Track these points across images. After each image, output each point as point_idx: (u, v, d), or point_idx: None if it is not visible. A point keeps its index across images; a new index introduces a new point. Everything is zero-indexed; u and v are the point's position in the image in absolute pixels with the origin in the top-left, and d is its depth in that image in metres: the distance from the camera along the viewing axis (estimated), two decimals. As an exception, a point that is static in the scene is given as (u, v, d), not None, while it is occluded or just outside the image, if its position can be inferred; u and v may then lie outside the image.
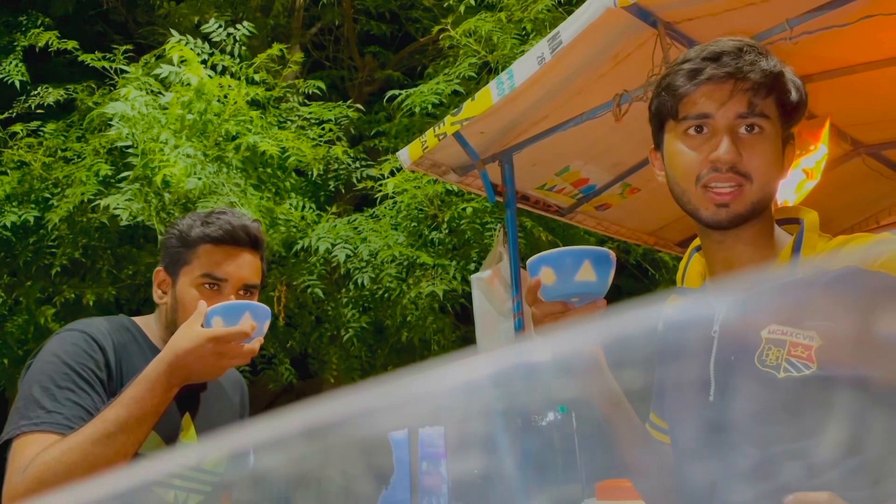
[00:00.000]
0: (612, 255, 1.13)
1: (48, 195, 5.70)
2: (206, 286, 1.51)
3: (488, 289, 3.47)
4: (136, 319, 1.59)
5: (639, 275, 6.90)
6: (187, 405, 1.55)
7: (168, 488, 1.48)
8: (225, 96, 5.27)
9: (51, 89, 6.10)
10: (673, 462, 1.19)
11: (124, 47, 5.74)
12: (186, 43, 5.29)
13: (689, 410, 1.15)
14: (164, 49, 5.27)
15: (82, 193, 5.24)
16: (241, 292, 1.53)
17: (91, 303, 5.80)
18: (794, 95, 1.11)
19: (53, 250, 5.82)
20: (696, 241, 1.23)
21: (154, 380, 1.36)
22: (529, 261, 1.14)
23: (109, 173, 5.35)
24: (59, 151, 5.88)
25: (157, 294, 1.58)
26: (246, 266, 1.54)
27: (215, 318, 1.39)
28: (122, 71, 5.59)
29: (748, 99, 1.06)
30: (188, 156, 4.81)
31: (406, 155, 3.44)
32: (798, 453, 1.02)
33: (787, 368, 1.02)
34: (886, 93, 3.21)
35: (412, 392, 0.67)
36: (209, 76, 5.21)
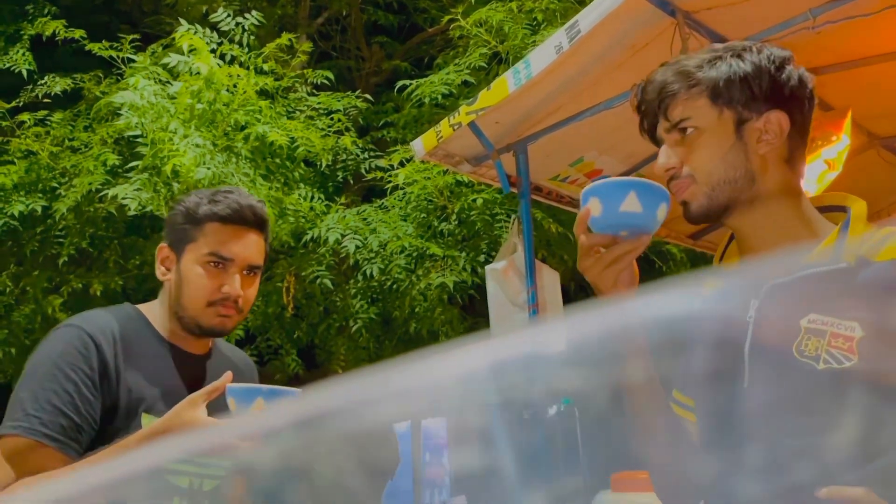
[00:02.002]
0: (664, 188, 1.10)
1: (55, 185, 5.69)
2: (212, 264, 1.52)
3: (503, 280, 3.46)
4: (141, 307, 1.59)
5: (646, 267, 6.88)
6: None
7: (182, 475, 1.49)
8: (234, 86, 5.25)
9: (58, 79, 6.06)
10: (699, 444, 1.17)
11: (131, 37, 5.72)
12: (195, 32, 5.26)
13: (721, 396, 1.14)
14: (173, 38, 5.25)
15: (89, 183, 5.23)
16: (246, 272, 1.55)
17: (98, 293, 5.78)
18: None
19: (61, 240, 5.81)
20: None
21: (134, 441, 1.36)
22: (583, 191, 1.12)
23: (117, 163, 5.34)
24: (67, 141, 5.87)
25: (160, 271, 1.57)
26: (252, 246, 1.56)
27: (229, 398, 1.37)
28: (130, 60, 5.57)
29: (665, 114, 1.16)
30: (197, 146, 4.79)
31: (420, 145, 3.42)
32: (834, 447, 1.01)
33: (827, 360, 1.01)
34: (901, 85, 3.19)
35: (414, 382, 0.65)
36: (218, 65, 5.19)
